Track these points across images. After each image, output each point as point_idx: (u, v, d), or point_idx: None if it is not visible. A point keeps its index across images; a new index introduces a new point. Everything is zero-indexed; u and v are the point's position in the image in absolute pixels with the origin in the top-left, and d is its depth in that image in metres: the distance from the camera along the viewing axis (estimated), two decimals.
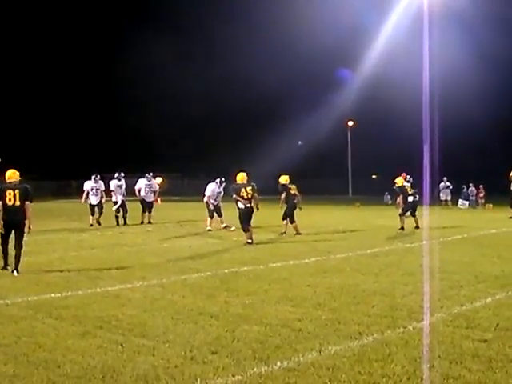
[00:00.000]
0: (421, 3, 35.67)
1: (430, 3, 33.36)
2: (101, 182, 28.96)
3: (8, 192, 14.43)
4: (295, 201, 23.47)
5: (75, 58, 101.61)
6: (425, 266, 14.58)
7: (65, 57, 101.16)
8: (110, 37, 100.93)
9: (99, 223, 28.09)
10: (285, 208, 23.74)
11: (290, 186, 23.77)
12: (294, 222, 23.39)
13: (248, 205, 20.57)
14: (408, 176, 31.78)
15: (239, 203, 20.54)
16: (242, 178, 20.97)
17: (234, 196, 20.72)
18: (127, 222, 29.21)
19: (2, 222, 14.45)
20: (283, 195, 23.72)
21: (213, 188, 26.33)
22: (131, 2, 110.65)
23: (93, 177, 28.81)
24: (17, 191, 14.50)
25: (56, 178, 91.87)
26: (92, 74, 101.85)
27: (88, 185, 28.62)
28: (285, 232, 23.39)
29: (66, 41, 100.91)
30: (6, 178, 14.82)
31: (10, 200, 14.39)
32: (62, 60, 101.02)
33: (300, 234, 22.92)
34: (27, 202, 14.68)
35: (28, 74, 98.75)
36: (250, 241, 20.11)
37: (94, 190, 28.43)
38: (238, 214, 20.92)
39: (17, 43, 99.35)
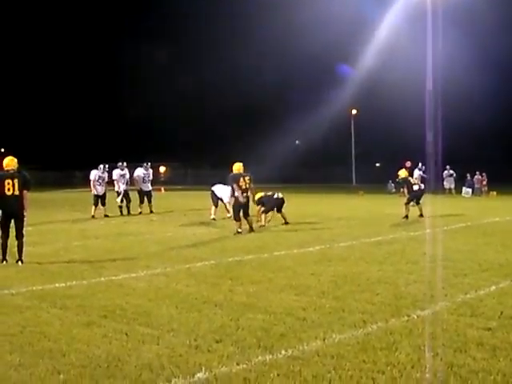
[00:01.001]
0: None
1: None
2: (106, 173, 28.80)
3: (7, 181, 14.03)
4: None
5: (77, 49, 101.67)
6: (429, 254, 14.61)
7: (67, 47, 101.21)
8: (112, 27, 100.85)
9: (107, 216, 27.82)
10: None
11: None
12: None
13: (245, 194, 20.53)
14: (421, 165, 31.81)
15: (236, 193, 20.48)
16: (238, 167, 20.87)
17: (234, 185, 20.64)
18: (131, 211, 29.22)
19: (0, 212, 14.20)
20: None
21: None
22: None
23: (101, 166, 28.56)
24: (15, 180, 14.11)
25: (59, 168, 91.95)
26: (94, 64, 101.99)
27: (94, 174, 28.39)
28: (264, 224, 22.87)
29: (69, 31, 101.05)
30: (4, 165, 14.40)
31: (8, 190, 14.02)
32: (64, 50, 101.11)
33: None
34: (25, 191, 14.32)
35: (31, 64, 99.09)
36: (239, 230, 20.07)
37: (99, 180, 28.22)
38: (232, 203, 20.84)
39: (21, 35, 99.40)
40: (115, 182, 29.14)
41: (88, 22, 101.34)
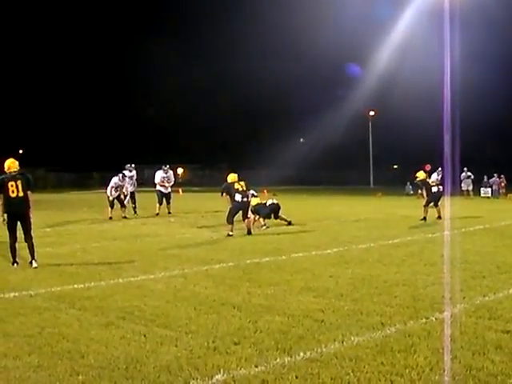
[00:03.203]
0: None
1: None
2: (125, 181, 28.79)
3: (10, 184, 14.06)
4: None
5: (95, 52, 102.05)
6: (446, 256, 14.56)
7: (85, 51, 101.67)
8: (130, 31, 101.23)
9: (125, 217, 27.80)
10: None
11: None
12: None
13: (245, 199, 20.57)
14: (439, 169, 31.71)
15: (236, 196, 20.42)
16: (233, 178, 20.95)
17: (225, 194, 20.91)
18: (137, 212, 29.62)
19: (5, 215, 14.19)
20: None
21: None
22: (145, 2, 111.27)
23: (120, 175, 28.27)
24: (19, 182, 14.14)
25: (77, 169, 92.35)
26: (111, 66, 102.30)
27: (114, 181, 28.08)
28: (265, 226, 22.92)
29: (87, 35, 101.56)
30: (6, 168, 14.37)
31: (13, 192, 14.04)
32: (82, 53, 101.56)
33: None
34: (29, 192, 14.31)
35: (50, 68, 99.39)
36: (231, 233, 20.05)
37: (117, 188, 28.00)
38: (229, 207, 20.75)
39: (41, 40, 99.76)
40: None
41: (105, 26, 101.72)
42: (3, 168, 14.52)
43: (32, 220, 14.62)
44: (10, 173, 14.29)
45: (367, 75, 73.49)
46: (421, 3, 51.92)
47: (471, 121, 56.05)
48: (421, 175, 26.54)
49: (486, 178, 49.92)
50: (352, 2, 66.69)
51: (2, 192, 14.10)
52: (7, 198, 14.07)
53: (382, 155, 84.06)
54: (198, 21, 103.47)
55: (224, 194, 20.98)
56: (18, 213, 14.30)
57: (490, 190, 48.50)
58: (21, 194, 14.14)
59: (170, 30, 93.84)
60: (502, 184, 49.28)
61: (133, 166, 30.17)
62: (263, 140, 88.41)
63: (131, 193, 29.51)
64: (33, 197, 14.56)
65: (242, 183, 20.90)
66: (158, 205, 29.72)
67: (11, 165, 14.38)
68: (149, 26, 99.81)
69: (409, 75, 66.82)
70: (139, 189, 31.57)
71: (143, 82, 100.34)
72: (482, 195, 47.90)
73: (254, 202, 22.42)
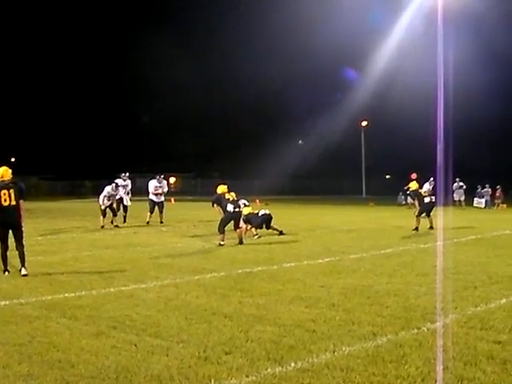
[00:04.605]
0: (433, 4, 35.66)
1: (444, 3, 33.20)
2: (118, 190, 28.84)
3: (3, 192, 13.96)
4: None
5: (88, 60, 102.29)
6: (439, 266, 14.56)
7: (78, 58, 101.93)
8: (123, 37, 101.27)
9: (117, 226, 27.81)
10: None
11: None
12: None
13: (237, 209, 20.60)
14: (431, 179, 31.78)
15: (228, 206, 20.41)
16: (222, 189, 21.00)
17: (216, 205, 21.01)
18: (126, 220, 29.63)
19: None
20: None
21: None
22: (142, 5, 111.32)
23: (113, 184, 28.21)
24: (11, 190, 14.04)
25: (69, 177, 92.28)
26: (105, 75, 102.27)
27: (106, 190, 28.00)
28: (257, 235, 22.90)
29: (79, 43, 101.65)
30: None
31: (5, 200, 13.93)
32: (75, 61, 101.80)
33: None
34: (21, 201, 14.22)
35: (43, 75, 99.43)
36: (222, 243, 20.02)
37: (110, 197, 27.89)
38: (221, 217, 20.72)
39: (33, 46, 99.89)
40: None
41: (101, 33, 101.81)
42: None
43: (24, 229, 14.57)
44: (3, 181, 14.17)
45: (361, 83, 73.58)
46: (418, 8, 51.88)
47: (466, 130, 56.21)
48: (413, 185, 26.63)
49: (479, 188, 49.98)
50: (350, 5, 66.78)
51: None
52: None
53: (375, 165, 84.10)
54: (198, 32, 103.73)
55: (215, 206, 21.03)
56: (10, 222, 14.21)
57: (483, 200, 48.57)
58: (13, 202, 14.03)
59: (167, 41, 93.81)
60: (497, 194, 49.34)
61: (127, 175, 30.17)
62: (256, 149, 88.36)
63: (122, 201, 29.48)
64: (25, 205, 14.49)
65: (233, 194, 20.94)
66: (148, 213, 29.65)
67: (4, 173, 14.27)
68: (146, 36, 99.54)
69: (402, 85, 67.06)
70: (133, 198, 31.45)
71: (138, 91, 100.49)
72: (475, 205, 47.96)
73: (245, 211, 22.41)
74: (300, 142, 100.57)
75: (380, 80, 66.83)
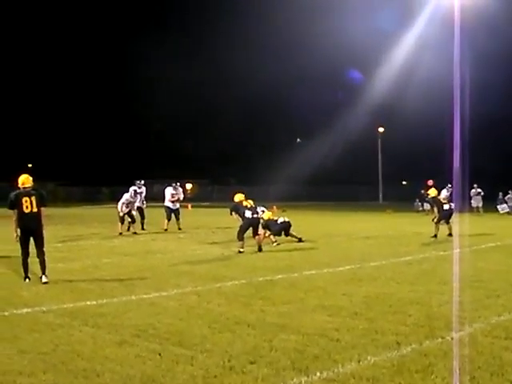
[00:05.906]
0: (449, 6, 35.50)
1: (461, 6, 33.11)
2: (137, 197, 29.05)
3: (24, 199, 14.08)
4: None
5: (103, 68, 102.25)
6: (460, 274, 14.48)
7: (94, 66, 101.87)
8: (137, 45, 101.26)
9: (135, 233, 27.89)
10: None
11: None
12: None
13: (255, 215, 20.67)
14: (449, 185, 31.67)
15: (246, 213, 20.48)
16: (240, 197, 21.08)
17: (234, 213, 21.29)
18: (145, 227, 29.83)
19: (18, 230, 14.19)
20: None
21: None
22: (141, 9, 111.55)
23: (132, 191, 28.51)
24: (33, 198, 14.16)
25: (86, 183, 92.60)
26: (120, 81, 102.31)
27: (125, 198, 28.26)
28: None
29: (94, 51, 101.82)
30: (20, 183, 14.36)
31: (26, 208, 14.05)
32: (91, 69, 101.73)
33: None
34: (43, 208, 14.37)
35: (60, 82, 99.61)
36: (241, 250, 20.00)
37: (129, 204, 28.11)
38: (239, 224, 20.77)
39: (47, 54, 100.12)
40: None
41: (114, 40, 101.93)
42: (16, 183, 14.55)
43: (45, 236, 14.61)
44: (25, 188, 14.29)
45: (374, 89, 73.29)
46: (434, 9, 51.61)
47: (482, 135, 55.93)
48: (432, 192, 26.50)
49: (501, 194, 49.45)
50: (357, 5, 66.83)
51: (16, 207, 14.11)
52: (21, 214, 14.06)
53: (392, 171, 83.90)
54: (206, 36, 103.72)
55: (233, 214, 21.11)
56: (31, 229, 14.29)
57: (506, 205, 48.02)
58: (34, 209, 14.15)
59: (178, 44, 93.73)
60: None
61: (142, 182, 30.28)
62: (272, 155, 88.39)
63: (139, 208, 29.60)
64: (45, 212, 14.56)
65: (250, 201, 21.00)
66: (166, 221, 29.77)
67: (25, 180, 14.37)
68: (157, 41, 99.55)
69: (416, 89, 66.81)
70: (148, 204, 31.56)
71: (153, 96, 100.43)
72: (500, 212, 47.35)
73: (266, 216, 22.51)
74: (298, 140, 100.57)
75: (394, 84, 66.71)
